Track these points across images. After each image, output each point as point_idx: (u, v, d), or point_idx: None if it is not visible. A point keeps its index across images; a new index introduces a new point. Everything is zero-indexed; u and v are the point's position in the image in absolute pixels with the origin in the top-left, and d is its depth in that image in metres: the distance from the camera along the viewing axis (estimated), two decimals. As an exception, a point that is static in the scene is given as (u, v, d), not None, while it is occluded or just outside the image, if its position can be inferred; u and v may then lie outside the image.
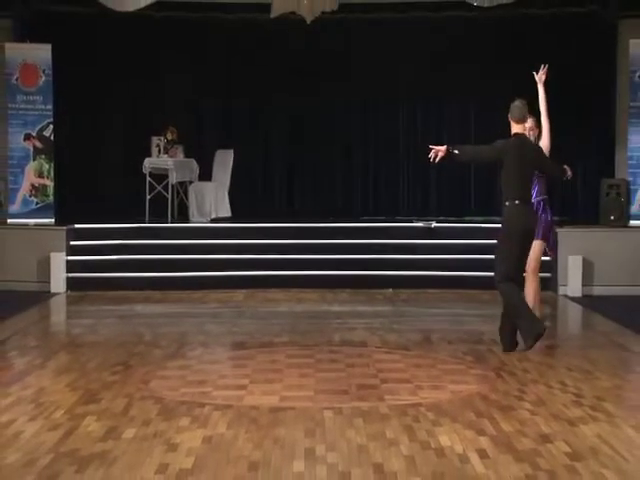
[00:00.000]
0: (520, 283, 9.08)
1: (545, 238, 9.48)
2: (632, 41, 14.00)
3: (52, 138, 14.44)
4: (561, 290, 13.07)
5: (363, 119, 16.05)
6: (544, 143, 9.35)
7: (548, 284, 13.22)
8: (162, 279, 13.32)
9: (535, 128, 9.44)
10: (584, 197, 14.75)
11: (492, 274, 13.22)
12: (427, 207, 15.88)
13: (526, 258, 8.97)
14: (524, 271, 9.19)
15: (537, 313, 9.21)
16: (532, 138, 9.35)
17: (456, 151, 8.76)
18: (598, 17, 14.42)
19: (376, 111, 15.99)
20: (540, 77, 9.52)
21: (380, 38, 15.38)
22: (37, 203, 14.41)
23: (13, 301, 12.00)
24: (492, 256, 13.53)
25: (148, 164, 14.98)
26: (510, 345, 8.89)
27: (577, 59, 14.43)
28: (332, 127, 15.94)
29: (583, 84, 14.41)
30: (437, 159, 8.75)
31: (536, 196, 9.43)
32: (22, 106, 14.39)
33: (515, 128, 8.84)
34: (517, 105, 8.85)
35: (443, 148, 8.71)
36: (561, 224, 13.65)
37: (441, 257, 13.69)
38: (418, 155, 16.05)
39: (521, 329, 8.75)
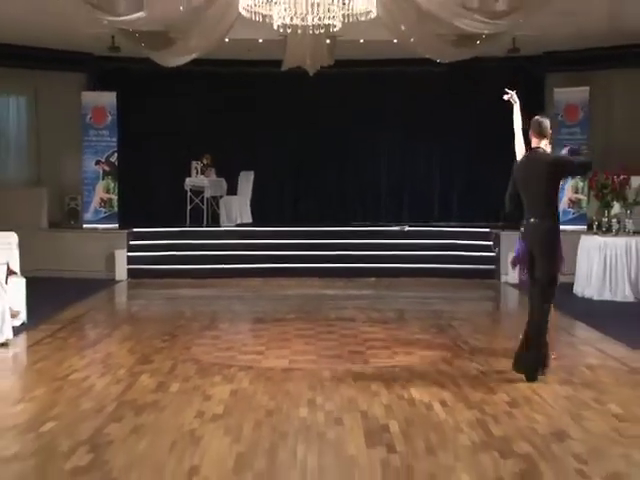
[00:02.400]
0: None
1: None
2: (556, 89, 14.05)
3: (116, 163, 14.47)
4: (503, 278, 13.04)
5: (354, 148, 16.04)
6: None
7: (493, 274, 13.27)
8: (199, 270, 13.28)
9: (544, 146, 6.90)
10: (521, 208, 14.69)
11: (451, 265, 13.42)
12: (401, 215, 15.87)
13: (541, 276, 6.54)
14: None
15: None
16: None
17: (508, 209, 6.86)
18: (530, 72, 14.45)
19: (364, 142, 15.95)
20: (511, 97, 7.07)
21: (367, 86, 15.39)
22: (105, 212, 14.43)
23: (87, 286, 12.00)
24: (451, 252, 13.73)
25: (188, 182, 15.00)
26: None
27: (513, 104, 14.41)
28: (330, 153, 15.94)
29: (523, 121, 14.38)
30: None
31: None
32: (94, 139, 14.42)
33: (534, 143, 6.67)
34: (536, 119, 6.72)
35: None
36: (502, 227, 13.66)
37: (412, 253, 13.64)
38: (396, 177, 16.19)
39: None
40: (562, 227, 12.84)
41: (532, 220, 6.54)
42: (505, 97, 7.06)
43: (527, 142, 6.87)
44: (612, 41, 13.32)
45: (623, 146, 13.81)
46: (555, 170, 6.54)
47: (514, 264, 6.90)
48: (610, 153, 13.43)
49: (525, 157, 6.70)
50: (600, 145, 13.63)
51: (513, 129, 6.98)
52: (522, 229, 6.68)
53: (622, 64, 14.08)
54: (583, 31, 12.42)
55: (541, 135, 6.61)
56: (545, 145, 6.65)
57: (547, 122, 6.68)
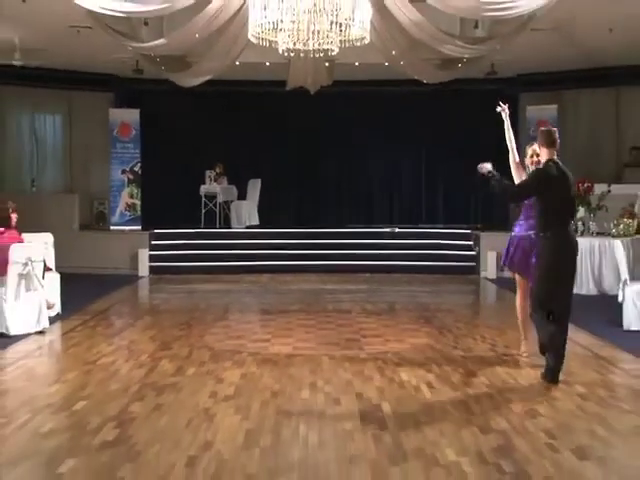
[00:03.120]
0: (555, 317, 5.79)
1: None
2: (528, 107, 14.07)
3: (139, 172, 14.49)
4: (482, 274, 13.06)
5: (349, 158, 16.05)
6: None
7: (473, 270, 13.26)
8: (213, 267, 13.26)
9: (536, 156, 6.29)
10: (498, 212, 14.65)
11: (436, 263, 13.43)
12: (392, 218, 15.87)
13: (562, 289, 5.79)
14: (558, 303, 5.79)
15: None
16: (533, 167, 6.35)
17: (494, 182, 5.88)
18: (506, 92, 14.42)
19: (358, 153, 15.97)
20: (504, 110, 6.75)
21: (361, 103, 15.39)
22: (130, 216, 14.45)
23: (114, 281, 12.01)
24: (436, 250, 13.74)
25: (203, 189, 15.01)
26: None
27: (492, 120, 14.37)
28: (328, 163, 15.97)
29: (496, 137, 14.33)
30: (482, 170, 5.98)
31: (529, 229, 6.29)
32: (120, 151, 14.44)
33: (546, 154, 5.85)
34: (547, 130, 5.99)
35: (488, 169, 5.95)
36: (482, 229, 13.68)
37: (401, 252, 13.66)
38: (388, 184, 16.20)
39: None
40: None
41: (568, 231, 5.85)
42: (498, 109, 6.76)
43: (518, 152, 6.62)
44: (578, 65, 13.36)
45: (588, 157, 13.82)
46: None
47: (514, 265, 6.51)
48: (576, 163, 13.40)
49: (554, 167, 5.79)
50: (567, 156, 13.60)
51: (505, 141, 6.70)
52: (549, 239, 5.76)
53: (586, 85, 14.13)
54: (552, 56, 12.45)
55: (553, 145, 5.85)
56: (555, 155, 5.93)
57: (553, 132, 5.96)
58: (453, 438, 4.57)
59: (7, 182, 14.71)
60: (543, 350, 5.95)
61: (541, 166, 6.01)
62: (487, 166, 5.95)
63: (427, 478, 3.94)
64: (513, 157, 6.66)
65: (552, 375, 5.78)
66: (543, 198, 5.81)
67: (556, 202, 5.75)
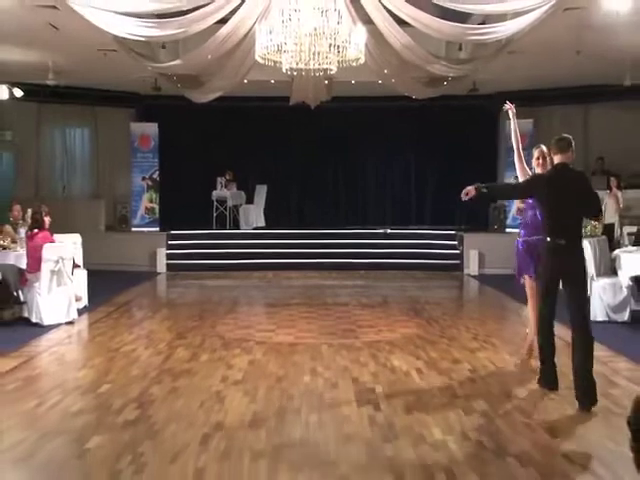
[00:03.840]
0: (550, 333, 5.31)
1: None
2: (507, 121, 13.97)
3: (158, 179, 14.48)
4: (465, 271, 13.05)
5: (347, 166, 16.04)
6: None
7: (457, 267, 13.25)
8: (223, 264, 13.21)
9: (542, 159, 5.67)
10: (480, 214, 14.64)
11: (424, 261, 13.41)
12: (384, 219, 15.83)
13: (553, 303, 5.14)
14: (552, 319, 5.27)
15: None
16: (539, 168, 5.67)
17: (484, 190, 5.01)
18: (486, 107, 14.41)
19: (355, 161, 15.97)
20: (511, 109, 6.10)
21: (357, 117, 15.32)
22: (149, 218, 14.42)
23: (135, 277, 12.00)
24: (425, 250, 13.72)
25: (214, 194, 14.97)
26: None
27: (476, 132, 14.42)
28: (328, 170, 15.95)
29: (480, 146, 14.41)
30: (467, 197, 4.98)
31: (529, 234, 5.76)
32: (140, 160, 14.42)
33: (557, 160, 4.98)
34: (557, 137, 5.03)
35: (472, 188, 4.96)
36: (465, 230, 13.66)
37: (393, 251, 13.63)
38: (381, 190, 16.18)
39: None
40: (511, 230, 12.36)
41: (562, 242, 4.85)
42: (505, 107, 6.13)
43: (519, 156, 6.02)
44: (550, 84, 13.37)
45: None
46: (586, 196, 4.98)
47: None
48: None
49: (560, 172, 4.97)
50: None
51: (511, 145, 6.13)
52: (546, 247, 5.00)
53: (558, 102, 14.16)
54: (527, 76, 12.45)
55: (562, 151, 4.95)
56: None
57: (564, 138, 5.03)
58: (439, 418, 4.57)
59: (41, 188, 14.78)
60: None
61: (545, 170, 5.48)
62: (469, 188, 4.99)
63: (416, 454, 3.94)
64: (518, 156, 6.02)
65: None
66: (542, 203, 5.13)
67: (555, 207, 4.92)
